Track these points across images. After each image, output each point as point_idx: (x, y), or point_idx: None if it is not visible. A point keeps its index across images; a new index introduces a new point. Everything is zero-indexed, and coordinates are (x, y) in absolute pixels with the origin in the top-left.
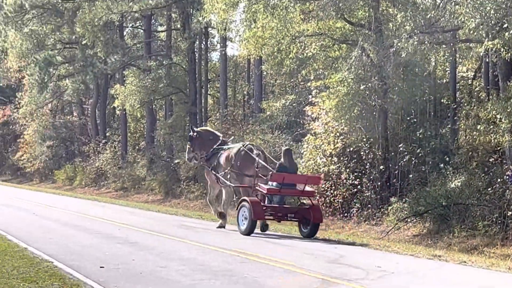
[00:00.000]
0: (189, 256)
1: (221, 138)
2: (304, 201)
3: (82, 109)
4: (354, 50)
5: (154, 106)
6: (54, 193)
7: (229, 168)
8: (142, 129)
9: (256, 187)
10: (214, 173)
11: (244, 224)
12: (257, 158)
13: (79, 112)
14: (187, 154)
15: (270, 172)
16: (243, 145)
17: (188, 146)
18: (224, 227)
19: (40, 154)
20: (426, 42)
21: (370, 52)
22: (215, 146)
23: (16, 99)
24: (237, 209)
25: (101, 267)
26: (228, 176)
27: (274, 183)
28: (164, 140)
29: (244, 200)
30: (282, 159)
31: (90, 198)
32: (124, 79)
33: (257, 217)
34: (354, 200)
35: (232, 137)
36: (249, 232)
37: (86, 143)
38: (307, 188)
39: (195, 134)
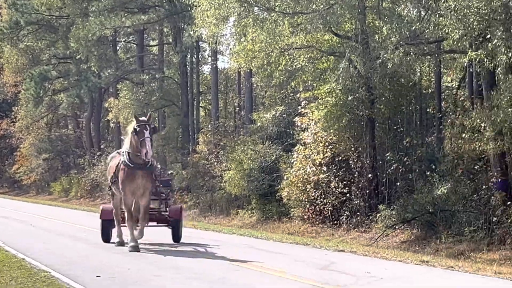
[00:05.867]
0: (184, 264)
1: None
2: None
3: (77, 122)
4: (341, 61)
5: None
6: (50, 204)
7: None
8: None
9: None
10: None
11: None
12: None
13: (74, 125)
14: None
15: None
16: None
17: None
18: None
19: (36, 167)
20: (411, 53)
21: (357, 63)
22: None
23: (13, 113)
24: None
25: (97, 276)
26: None
27: None
28: (157, 152)
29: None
30: None
31: (86, 209)
32: (118, 92)
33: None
34: (343, 208)
35: None
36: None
37: (81, 155)
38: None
39: None
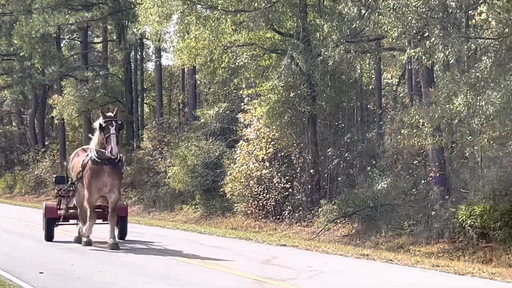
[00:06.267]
0: (127, 260)
1: None
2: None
3: (21, 119)
4: (283, 59)
5: (91, 115)
6: None
7: None
8: (80, 137)
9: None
10: None
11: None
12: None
13: (18, 122)
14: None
15: None
16: None
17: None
18: None
19: None
20: (351, 51)
21: (299, 61)
22: None
23: None
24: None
25: (40, 272)
26: None
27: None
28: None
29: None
30: None
31: (30, 206)
32: (62, 89)
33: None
34: (286, 203)
35: None
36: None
37: (25, 152)
38: None
39: None
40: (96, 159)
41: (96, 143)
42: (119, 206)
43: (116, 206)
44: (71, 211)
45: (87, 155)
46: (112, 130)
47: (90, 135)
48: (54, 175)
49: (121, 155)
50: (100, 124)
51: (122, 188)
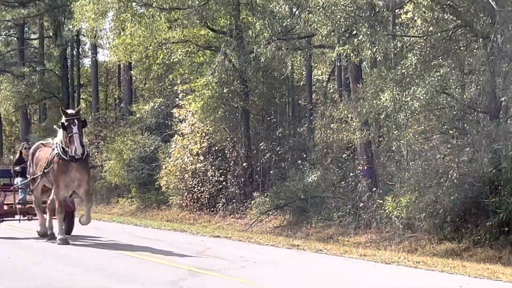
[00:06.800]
0: (64, 252)
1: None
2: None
3: None
4: (217, 55)
5: (28, 111)
6: None
7: None
8: (17, 132)
9: None
10: None
11: None
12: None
13: None
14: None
15: None
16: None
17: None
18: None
19: None
20: (283, 48)
21: (232, 57)
22: None
23: None
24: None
25: None
26: None
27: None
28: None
29: None
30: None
31: None
32: None
33: None
34: (220, 196)
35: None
36: None
37: None
38: None
39: None
40: (62, 155)
41: (61, 140)
42: (70, 200)
43: (90, 198)
44: (19, 206)
45: (53, 150)
46: (75, 129)
47: (55, 126)
48: None
49: (88, 149)
50: (62, 123)
51: (92, 181)
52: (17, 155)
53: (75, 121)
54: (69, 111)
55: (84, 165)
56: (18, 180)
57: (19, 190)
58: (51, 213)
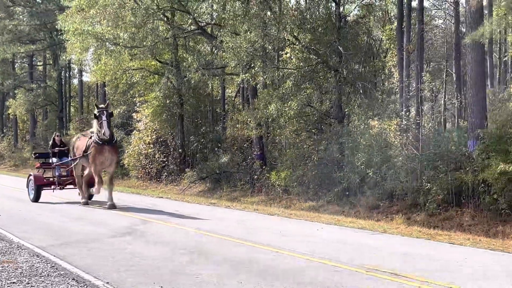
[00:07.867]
0: (61, 208)
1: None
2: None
3: None
4: (162, 78)
5: (35, 113)
6: None
7: None
8: (27, 127)
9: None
10: None
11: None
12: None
13: None
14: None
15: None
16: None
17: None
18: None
19: None
20: (206, 75)
21: (172, 80)
22: None
23: None
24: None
25: None
26: None
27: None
28: (42, 135)
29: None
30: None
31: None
32: (15, 95)
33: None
34: (163, 171)
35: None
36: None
37: None
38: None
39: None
40: (98, 140)
41: (95, 129)
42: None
43: (113, 176)
44: (63, 178)
45: (90, 138)
46: (104, 117)
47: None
48: (34, 153)
49: (116, 137)
50: (95, 114)
51: (119, 162)
52: (51, 141)
53: (104, 111)
54: (100, 105)
55: (114, 148)
56: (54, 160)
57: (56, 167)
58: (87, 184)
